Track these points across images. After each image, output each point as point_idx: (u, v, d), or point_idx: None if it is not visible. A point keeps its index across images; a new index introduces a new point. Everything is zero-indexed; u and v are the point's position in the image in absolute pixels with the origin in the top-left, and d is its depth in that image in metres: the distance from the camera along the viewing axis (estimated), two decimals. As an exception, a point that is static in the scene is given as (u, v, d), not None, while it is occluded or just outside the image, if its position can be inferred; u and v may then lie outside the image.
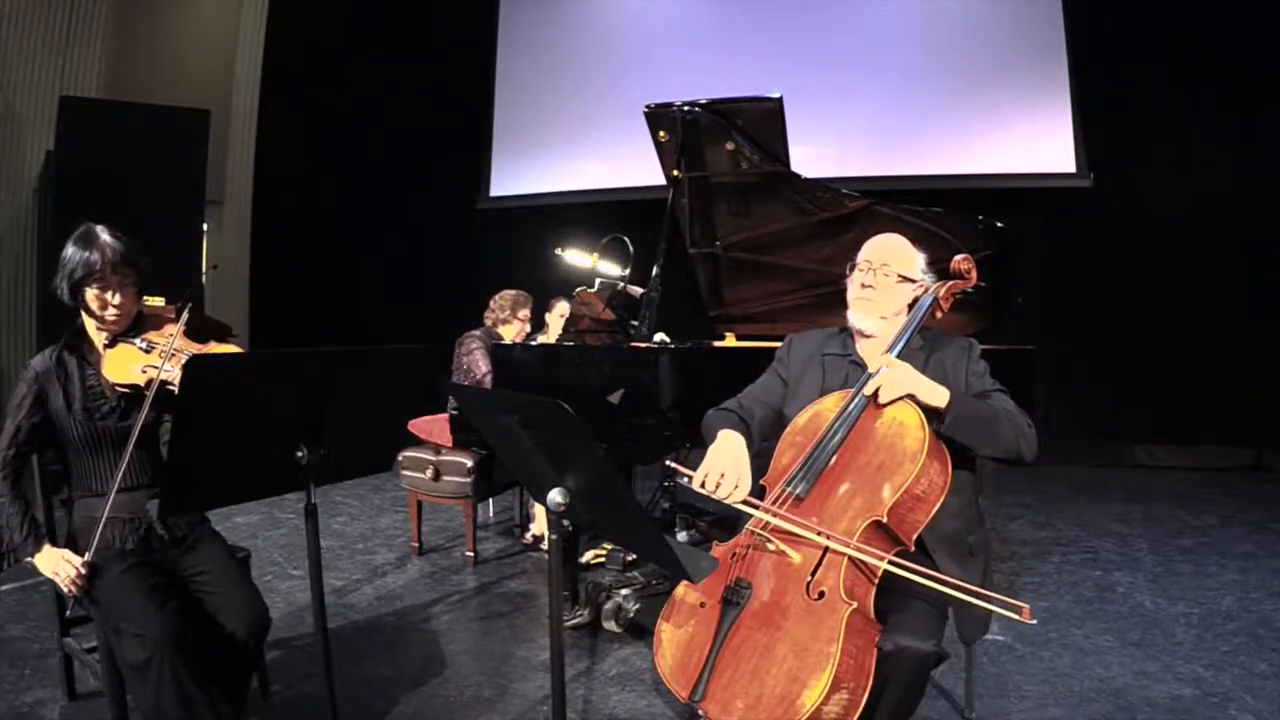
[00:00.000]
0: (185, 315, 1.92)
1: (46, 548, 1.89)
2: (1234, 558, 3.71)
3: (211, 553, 2.02)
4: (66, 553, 1.86)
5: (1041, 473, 5.43)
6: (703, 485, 1.68)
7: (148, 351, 1.90)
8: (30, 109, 5.80)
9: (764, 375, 2.05)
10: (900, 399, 1.70)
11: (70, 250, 1.89)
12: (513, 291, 4.20)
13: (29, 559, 1.89)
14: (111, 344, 1.93)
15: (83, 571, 1.83)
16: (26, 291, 5.89)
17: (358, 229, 7.90)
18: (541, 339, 4.23)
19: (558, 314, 4.29)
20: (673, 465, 1.69)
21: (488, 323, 4.14)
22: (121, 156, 5.29)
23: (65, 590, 1.86)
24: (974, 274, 1.96)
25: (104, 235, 1.90)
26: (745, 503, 1.67)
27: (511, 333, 4.11)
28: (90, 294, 1.89)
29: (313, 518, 1.71)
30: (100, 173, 5.19)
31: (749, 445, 1.83)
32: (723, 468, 1.69)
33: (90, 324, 1.96)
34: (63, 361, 1.94)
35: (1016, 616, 1.46)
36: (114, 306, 1.91)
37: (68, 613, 2.19)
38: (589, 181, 7.20)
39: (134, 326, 1.97)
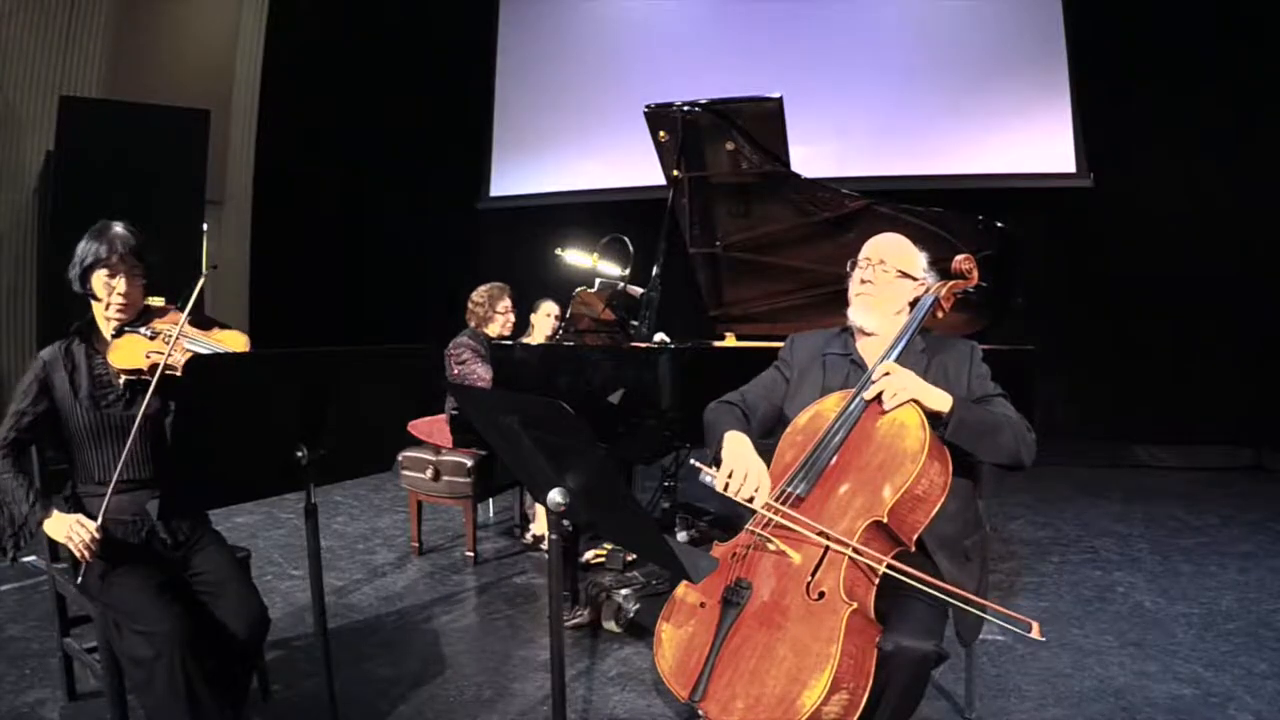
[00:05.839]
0: (191, 303, 1.95)
1: (55, 513, 1.86)
2: (1234, 558, 3.71)
3: (212, 553, 2.03)
4: (79, 516, 1.82)
5: (1041, 473, 5.42)
6: (726, 488, 1.68)
7: (152, 338, 1.96)
8: (30, 109, 5.80)
9: (768, 371, 2.06)
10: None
11: (84, 241, 1.95)
12: (486, 286, 4.05)
13: (38, 526, 1.85)
14: (118, 334, 1.97)
15: (97, 536, 1.79)
16: (26, 291, 5.88)
17: (358, 229, 7.89)
18: (526, 339, 4.10)
19: (543, 314, 4.20)
20: (697, 464, 1.69)
21: (471, 324, 4.00)
22: (121, 156, 5.29)
23: (79, 555, 1.79)
24: (975, 274, 1.96)
25: (116, 227, 1.96)
26: (765, 506, 1.66)
27: (496, 329, 3.98)
28: (98, 281, 1.94)
29: (313, 518, 1.71)
30: (100, 173, 5.18)
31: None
32: (745, 469, 1.70)
33: (99, 315, 1.99)
34: (70, 351, 1.98)
35: (1025, 633, 1.46)
36: (119, 295, 1.95)
37: (68, 613, 2.20)
38: (589, 181, 7.20)
39: (140, 319, 2.01)
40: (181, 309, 2.00)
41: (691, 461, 1.70)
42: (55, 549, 2.09)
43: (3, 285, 5.82)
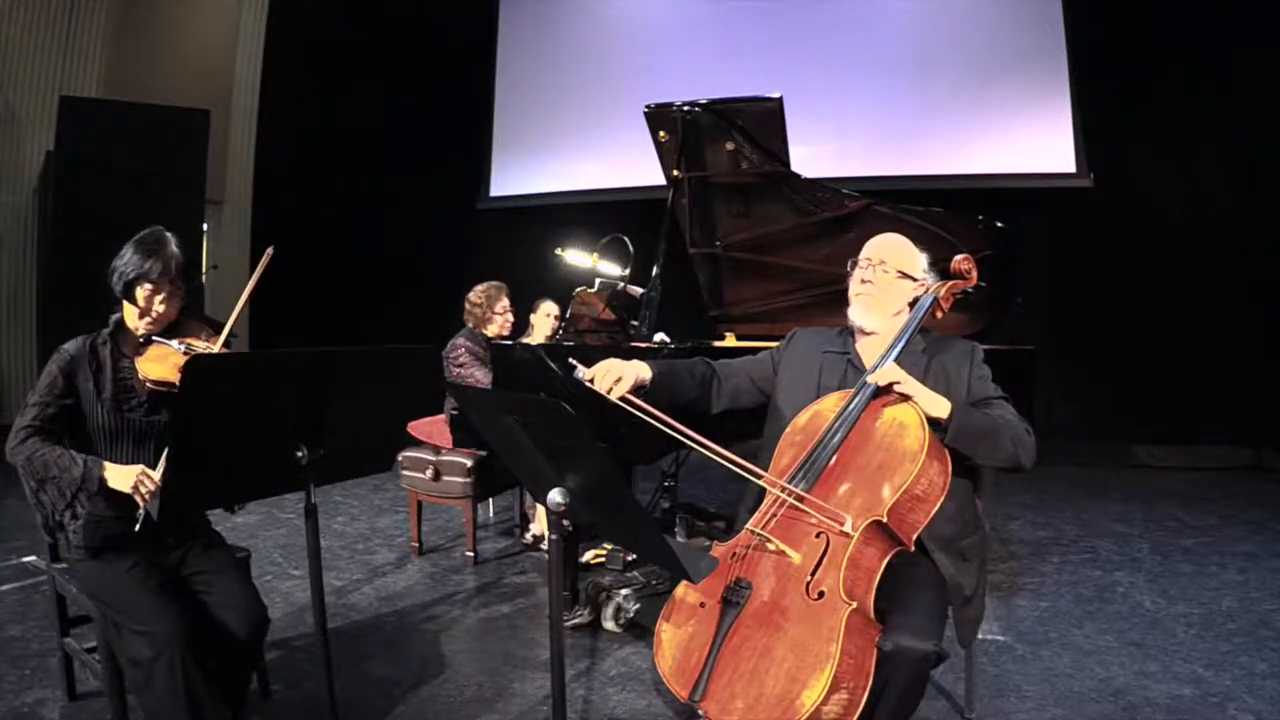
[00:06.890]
0: (229, 327, 1.98)
1: (109, 465, 1.84)
2: (1234, 558, 3.71)
3: (211, 553, 2.03)
4: (143, 466, 1.82)
5: (1041, 473, 5.39)
6: (591, 380, 1.77)
7: (186, 354, 1.94)
8: (30, 109, 5.81)
9: (763, 353, 2.09)
10: (900, 400, 1.71)
11: (135, 250, 1.94)
12: (484, 286, 4.02)
13: (99, 481, 1.82)
14: (147, 342, 1.97)
15: (160, 485, 1.77)
16: (27, 291, 5.89)
17: (358, 229, 7.89)
18: (525, 340, 4.04)
19: (543, 314, 4.19)
20: (573, 362, 1.79)
21: (469, 324, 3.97)
22: (121, 156, 5.29)
23: (141, 502, 1.79)
24: (974, 274, 1.96)
25: (172, 245, 1.95)
26: (624, 400, 1.75)
27: (494, 329, 3.95)
28: (141, 293, 1.94)
29: (313, 518, 1.71)
30: (100, 173, 5.19)
31: (709, 403, 2.01)
32: (609, 367, 1.78)
33: (131, 318, 1.98)
34: (95, 350, 1.97)
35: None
36: (157, 311, 1.95)
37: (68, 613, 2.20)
38: (589, 181, 7.20)
39: (168, 330, 2.01)
40: (215, 330, 2.03)
41: (569, 360, 1.80)
42: (55, 549, 2.09)
43: (3, 285, 5.83)
